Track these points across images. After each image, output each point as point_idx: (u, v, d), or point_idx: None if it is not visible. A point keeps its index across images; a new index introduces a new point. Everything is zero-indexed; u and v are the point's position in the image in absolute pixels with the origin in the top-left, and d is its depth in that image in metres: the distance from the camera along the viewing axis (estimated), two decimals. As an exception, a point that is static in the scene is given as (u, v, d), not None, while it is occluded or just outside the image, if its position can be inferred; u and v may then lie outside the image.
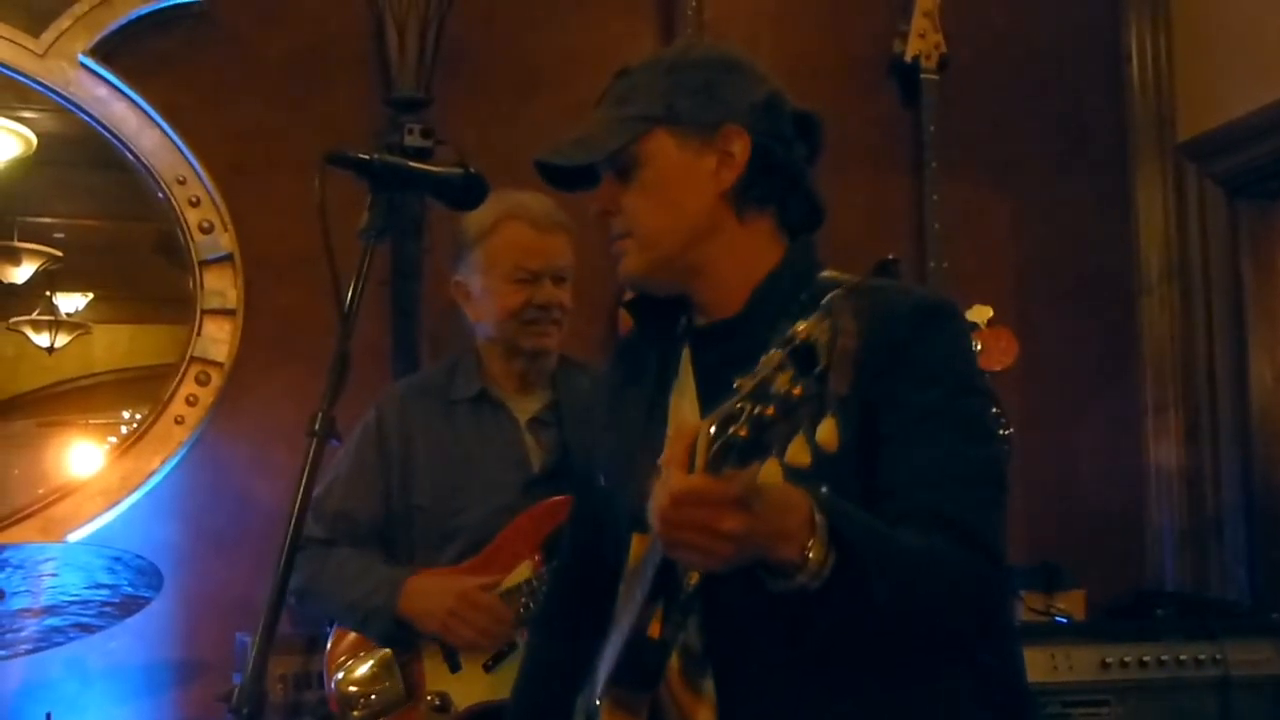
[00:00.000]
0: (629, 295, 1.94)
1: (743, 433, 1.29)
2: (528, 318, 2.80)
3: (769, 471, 1.30)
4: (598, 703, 1.69)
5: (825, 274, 1.78)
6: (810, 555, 1.42)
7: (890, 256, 3.88)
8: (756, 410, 1.28)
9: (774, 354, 1.27)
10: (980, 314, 3.50)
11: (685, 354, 1.84)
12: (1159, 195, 4.25)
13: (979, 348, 3.37)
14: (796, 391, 1.25)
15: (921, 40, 4.02)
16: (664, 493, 1.36)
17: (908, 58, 4.02)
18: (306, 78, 3.69)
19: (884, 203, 4.06)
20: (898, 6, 4.07)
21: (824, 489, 1.46)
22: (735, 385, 1.31)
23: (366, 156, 1.79)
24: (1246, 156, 4.08)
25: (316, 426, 1.70)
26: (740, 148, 1.76)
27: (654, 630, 1.61)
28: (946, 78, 4.04)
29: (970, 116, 4.12)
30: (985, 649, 1.77)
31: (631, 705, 1.66)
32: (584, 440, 2.33)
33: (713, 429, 1.32)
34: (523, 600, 2.70)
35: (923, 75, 4.01)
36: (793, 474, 1.29)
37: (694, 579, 1.64)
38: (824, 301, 1.25)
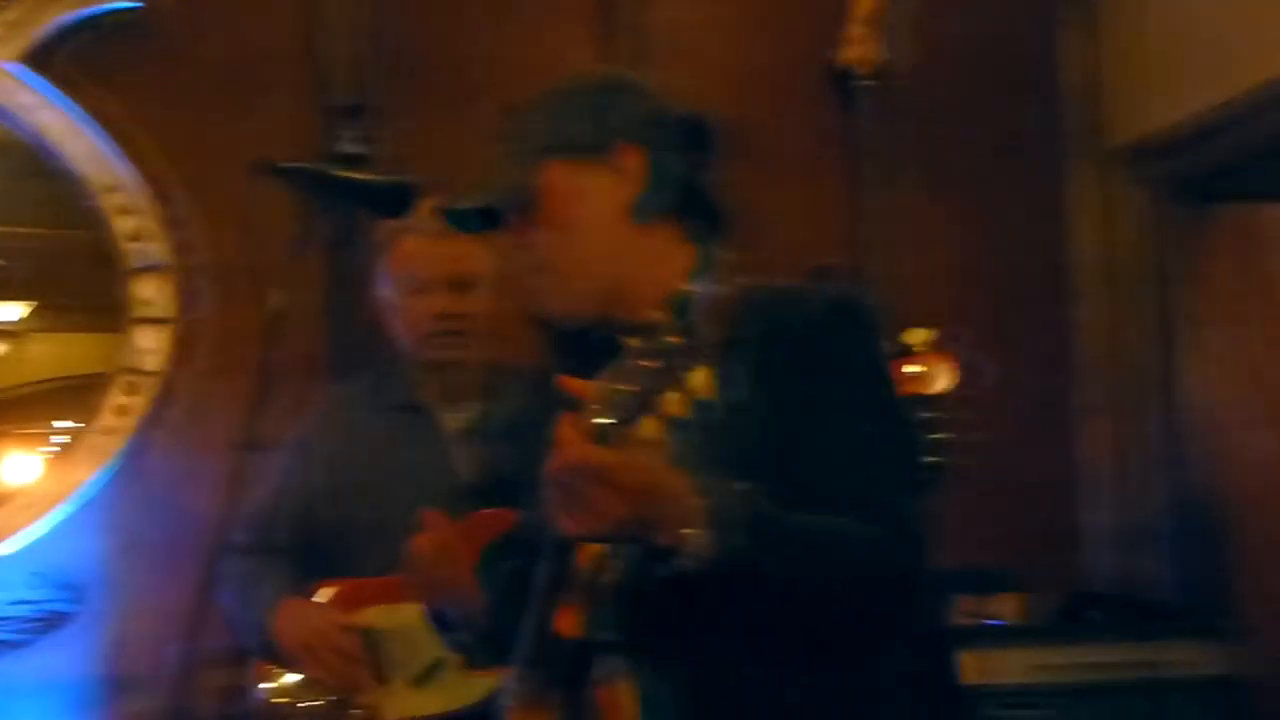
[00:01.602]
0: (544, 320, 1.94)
1: (628, 387, 1.36)
2: (429, 330, 2.78)
3: (649, 427, 1.36)
4: (507, 705, 1.69)
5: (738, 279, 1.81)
6: (690, 535, 1.45)
7: (827, 261, 3.91)
8: (642, 364, 1.35)
9: (659, 312, 1.36)
10: (918, 336, 3.49)
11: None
12: (1091, 201, 4.29)
13: (919, 370, 3.36)
14: (675, 340, 1.33)
15: (858, 47, 4.04)
16: (558, 457, 1.39)
17: (844, 65, 4.04)
18: (243, 85, 3.68)
19: (820, 209, 4.07)
20: (836, 14, 4.08)
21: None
22: (628, 343, 1.37)
23: (295, 166, 1.79)
24: (1176, 163, 4.13)
25: (242, 438, 1.70)
26: (634, 163, 1.78)
27: (570, 629, 1.63)
28: (882, 85, 4.05)
29: (906, 123, 4.13)
30: (917, 649, 1.78)
31: (542, 702, 1.66)
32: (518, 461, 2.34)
33: (599, 390, 1.38)
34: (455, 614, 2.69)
35: (859, 82, 4.03)
36: (674, 426, 1.36)
37: (611, 577, 1.65)
38: None
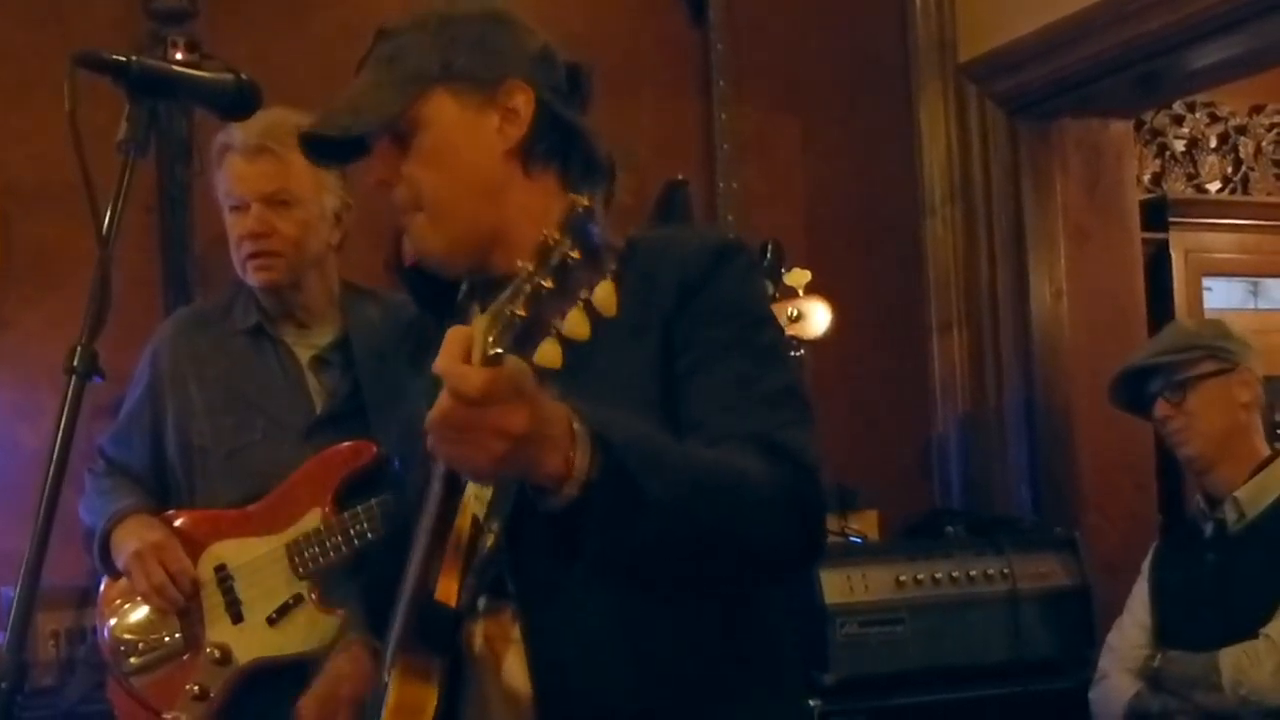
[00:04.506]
0: (409, 261, 1.82)
1: (521, 312, 1.25)
2: (244, 251, 2.66)
3: (547, 352, 1.27)
4: (386, 675, 1.61)
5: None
6: (575, 462, 1.35)
7: (680, 177, 3.85)
8: (534, 286, 1.25)
9: (553, 230, 1.26)
10: (798, 278, 3.42)
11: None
12: (941, 116, 4.29)
13: (794, 315, 3.29)
14: (574, 255, 1.24)
15: (709, -40, 3.96)
16: (445, 395, 1.27)
17: (696, -22, 3.96)
18: (59, -14, 3.44)
19: (673, 124, 4.01)
20: (685, -74, 4.00)
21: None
22: (518, 265, 1.27)
23: (123, 58, 1.62)
24: (1025, 77, 4.14)
25: (75, 363, 1.55)
26: (524, 102, 1.68)
27: (450, 597, 1.56)
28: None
29: (758, 36, 4.09)
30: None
31: (424, 670, 1.59)
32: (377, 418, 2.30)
33: (490, 317, 1.27)
34: (312, 551, 2.57)
35: (712, -4, 3.96)
36: (574, 348, 1.27)
37: (490, 540, 1.59)
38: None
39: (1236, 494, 2.99)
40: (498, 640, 1.64)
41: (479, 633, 1.65)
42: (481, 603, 1.63)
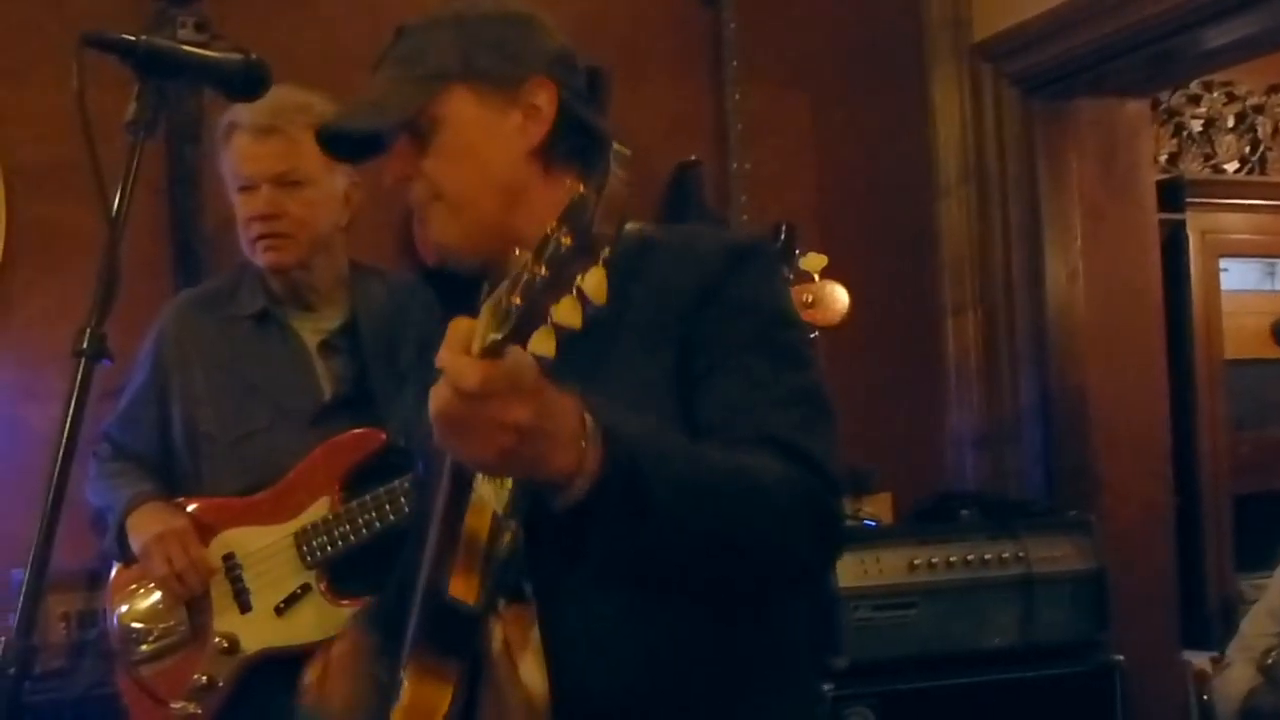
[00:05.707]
0: (431, 264, 1.80)
1: (517, 300, 1.24)
2: (254, 232, 2.63)
3: (541, 340, 1.25)
4: (401, 674, 1.59)
5: (630, 226, 1.70)
6: (586, 458, 1.32)
7: (692, 158, 3.83)
8: (530, 274, 1.23)
9: (553, 221, 1.24)
10: (814, 263, 3.37)
11: None
12: (955, 96, 4.25)
13: (810, 300, 3.26)
14: (566, 242, 1.22)
15: (720, -60, 3.92)
16: (445, 386, 1.26)
17: (707, -43, 3.92)
18: (64, -33, 3.41)
19: (685, 105, 3.98)
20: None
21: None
22: (517, 254, 1.26)
23: (131, 38, 1.60)
24: (1039, 56, 4.10)
25: (84, 345, 1.53)
26: (547, 100, 1.67)
27: (469, 595, 1.53)
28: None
29: (770, 15, 4.05)
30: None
31: (438, 670, 1.57)
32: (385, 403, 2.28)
33: (490, 307, 1.26)
34: (320, 541, 2.56)
35: (723, -25, 3.92)
36: (566, 336, 1.25)
37: (508, 538, 1.56)
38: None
39: None
40: (516, 642, 1.61)
41: (498, 634, 1.62)
42: (501, 604, 1.61)
